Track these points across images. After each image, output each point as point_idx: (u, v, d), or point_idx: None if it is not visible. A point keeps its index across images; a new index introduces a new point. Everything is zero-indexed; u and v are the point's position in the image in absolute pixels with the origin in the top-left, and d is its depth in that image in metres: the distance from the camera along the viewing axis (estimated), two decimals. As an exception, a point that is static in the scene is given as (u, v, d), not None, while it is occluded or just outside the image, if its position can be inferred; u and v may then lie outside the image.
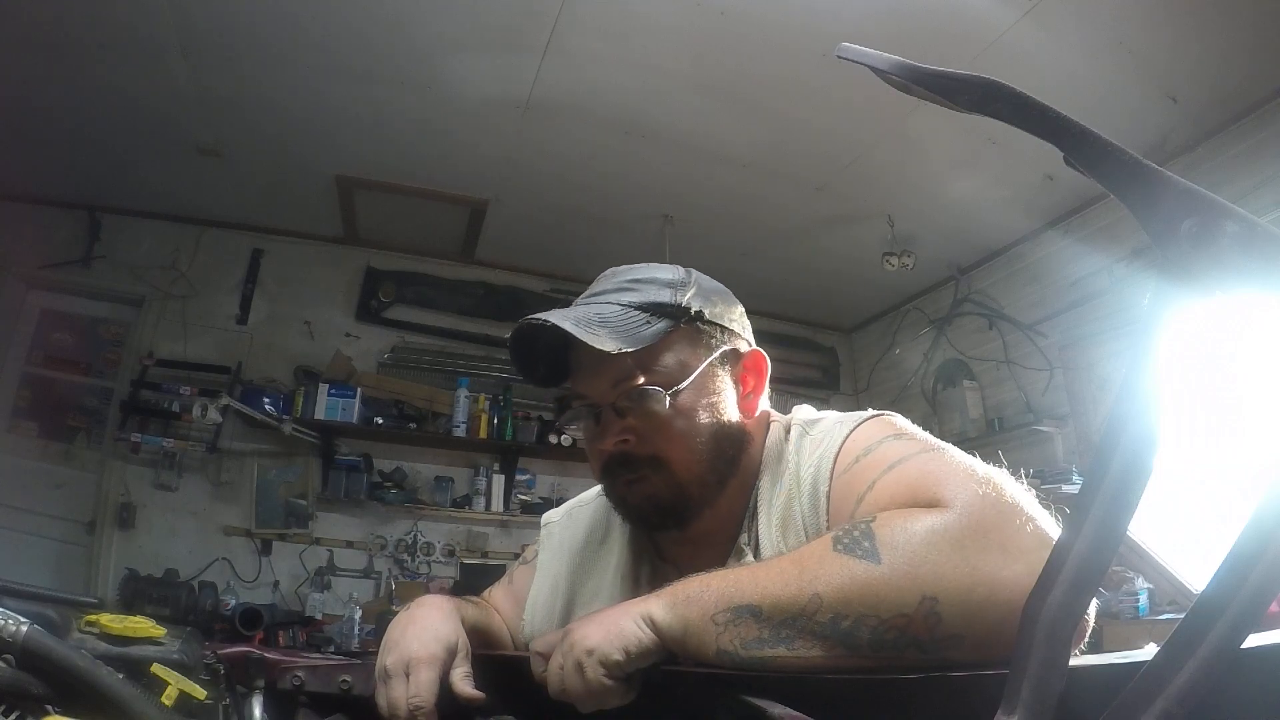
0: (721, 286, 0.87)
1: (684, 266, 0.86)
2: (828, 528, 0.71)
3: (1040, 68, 2.57)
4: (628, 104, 2.96)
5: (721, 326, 0.82)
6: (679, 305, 0.79)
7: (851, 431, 0.76)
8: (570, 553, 0.95)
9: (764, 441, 0.84)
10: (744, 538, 0.80)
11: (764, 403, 0.87)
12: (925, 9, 2.40)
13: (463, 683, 0.71)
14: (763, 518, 0.79)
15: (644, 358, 0.76)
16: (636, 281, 0.81)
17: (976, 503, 0.58)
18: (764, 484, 0.81)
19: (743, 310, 0.88)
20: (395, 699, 0.68)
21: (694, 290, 0.81)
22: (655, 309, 0.78)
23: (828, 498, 0.73)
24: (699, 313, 0.80)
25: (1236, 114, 2.83)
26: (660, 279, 0.82)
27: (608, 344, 0.73)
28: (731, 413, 0.81)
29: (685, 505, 0.78)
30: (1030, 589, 0.41)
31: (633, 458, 0.78)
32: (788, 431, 0.83)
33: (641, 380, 0.76)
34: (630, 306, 0.78)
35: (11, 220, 3.51)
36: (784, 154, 3.24)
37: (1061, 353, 3.57)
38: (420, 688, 0.68)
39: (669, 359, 0.78)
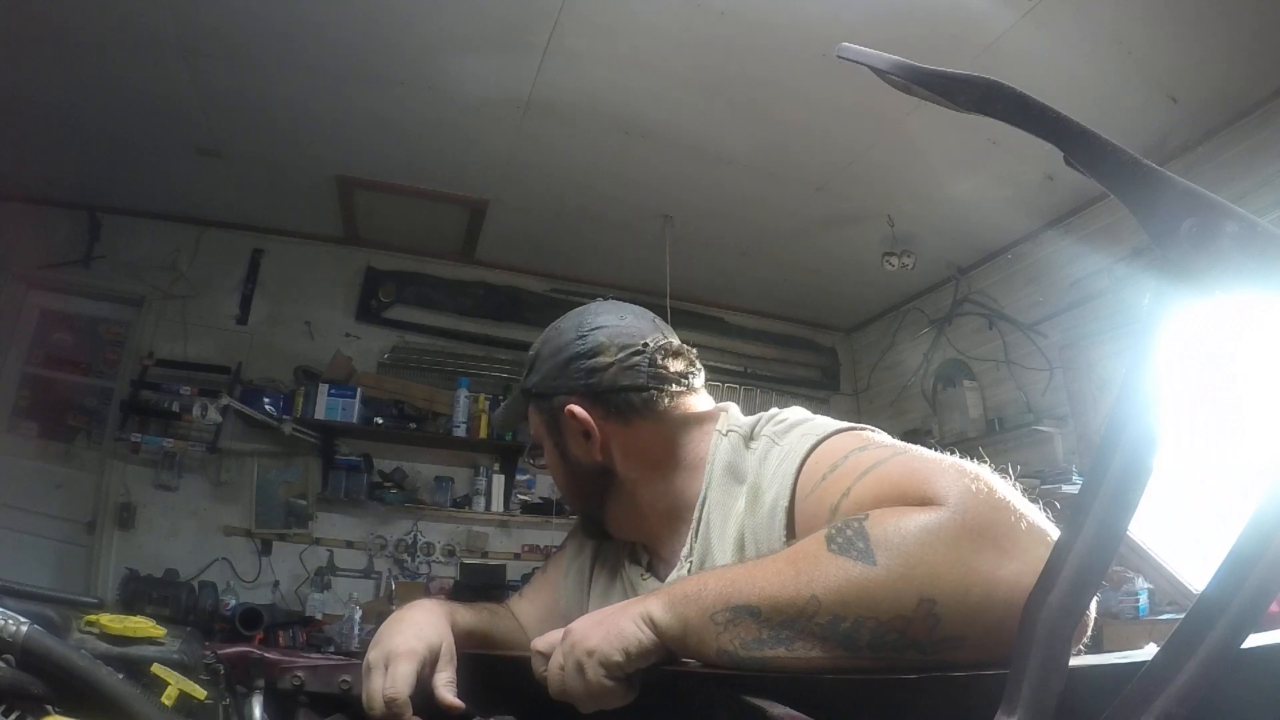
0: (560, 344, 0.92)
1: (557, 324, 0.97)
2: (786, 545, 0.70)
3: (1040, 68, 2.57)
4: (628, 104, 2.96)
5: (549, 396, 0.92)
6: (523, 389, 0.97)
7: (814, 448, 0.75)
8: (596, 535, 1.02)
9: (708, 452, 0.87)
10: (685, 550, 0.84)
11: (700, 403, 0.93)
12: (925, 9, 2.40)
13: (444, 689, 0.73)
14: (715, 532, 0.82)
15: (526, 429, 1.00)
16: (527, 357, 0.99)
17: (970, 499, 0.57)
18: (713, 497, 0.84)
19: (579, 353, 0.90)
20: (373, 691, 0.70)
21: (536, 364, 0.95)
22: (522, 390, 0.98)
23: (788, 513, 0.73)
24: (529, 390, 0.95)
25: (1236, 114, 2.83)
26: (527, 358, 0.98)
27: (499, 430, 1.15)
28: (576, 458, 0.92)
29: (588, 522, 0.99)
30: (1027, 587, 0.41)
31: None
32: (750, 439, 0.84)
33: (528, 444, 1.02)
34: (520, 389, 0.99)
35: (11, 220, 3.51)
36: (784, 154, 3.25)
37: (1061, 353, 3.57)
38: (396, 680, 0.70)
39: (531, 428, 0.98)
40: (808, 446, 0.75)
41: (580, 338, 0.91)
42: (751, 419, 0.87)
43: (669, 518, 0.89)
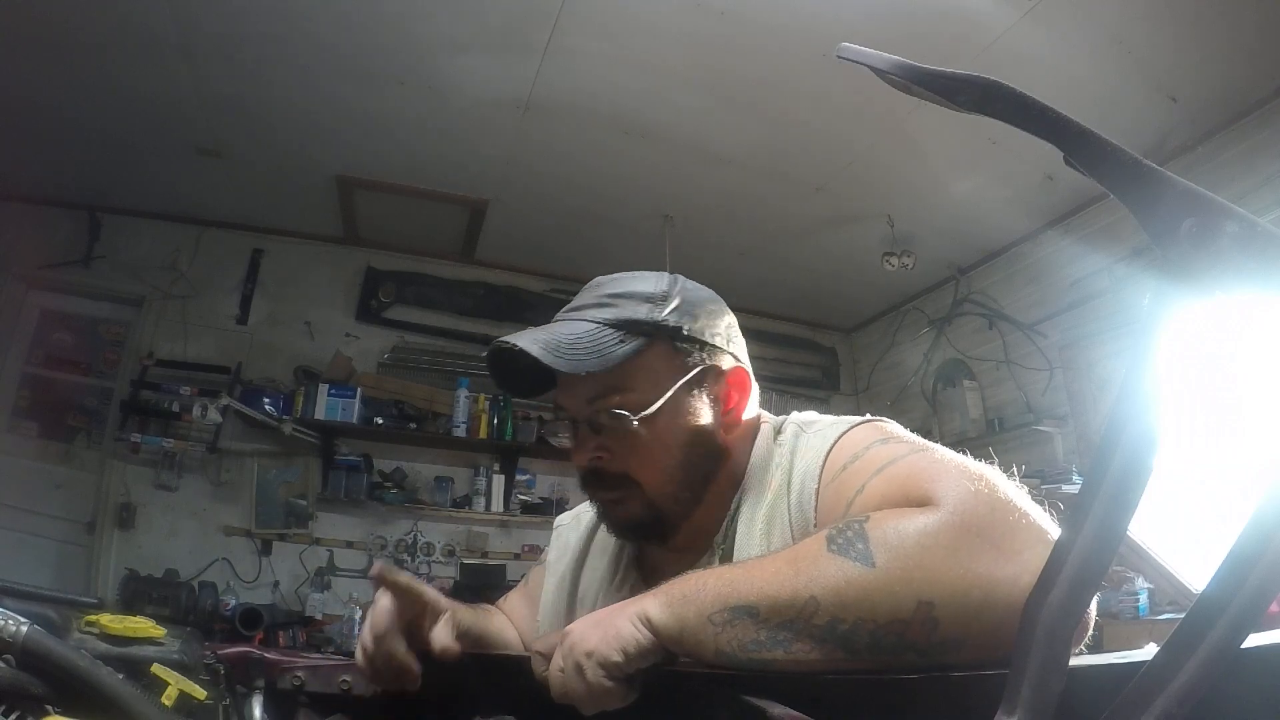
0: (710, 295, 0.86)
1: (672, 274, 0.85)
2: (815, 530, 0.71)
3: (1040, 68, 2.57)
4: (628, 104, 2.96)
5: (701, 342, 0.81)
6: (654, 322, 0.78)
7: (840, 436, 0.76)
8: (574, 554, 0.97)
9: (752, 448, 0.84)
10: (718, 537, 0.82)
11: (752, 408, 0.87)
12: (925, 9, 2.40)
13: (440, 630, 0.72)
14: (743, 521, 0.80)
15: (616, 377, 0.76)
16: (614, 296, 0.80)
17: (969, 500, 0.57)
18: (749, 488, 0.82)
19: (732, 321, 0.86)
20: (362, 633, 0.73)
21: (675, 304, 0.80)
22: (629, 326, 0.78)
23: (816, 495, 0.74)
24: (675, 329, 0.79)
25: (1236, 114, 2.83)
26: (639, 293, 0.80)
27: (573, 366, 0.74)
28: (708, 432, 0.80)
29: (660, 523, 0.80)
30: (1026, 589, 0.41)
31: (606, 474, 0.80)
32: (779, 432, 0.84)
33: (612, 400, 0.77)
34: (604, 324, 0.78)
35: (11, 220, 3.51)
36: (784, 154, 3.25)
37: (1061, 353, 3.57)
38: (377, 610, 0.72)
39: (642, 379, 0.78)
40: (836, 433, 0.76)
41: (715, 300, 0.85)
42: (779, 417, 0.87)
43: (715, 505, 0.82)
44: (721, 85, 2.84)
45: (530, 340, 0.75)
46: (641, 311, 0.79)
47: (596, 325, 0.78)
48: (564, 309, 0.84)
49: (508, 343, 0.76)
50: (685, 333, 0.79)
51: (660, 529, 0.81)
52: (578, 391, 0.79)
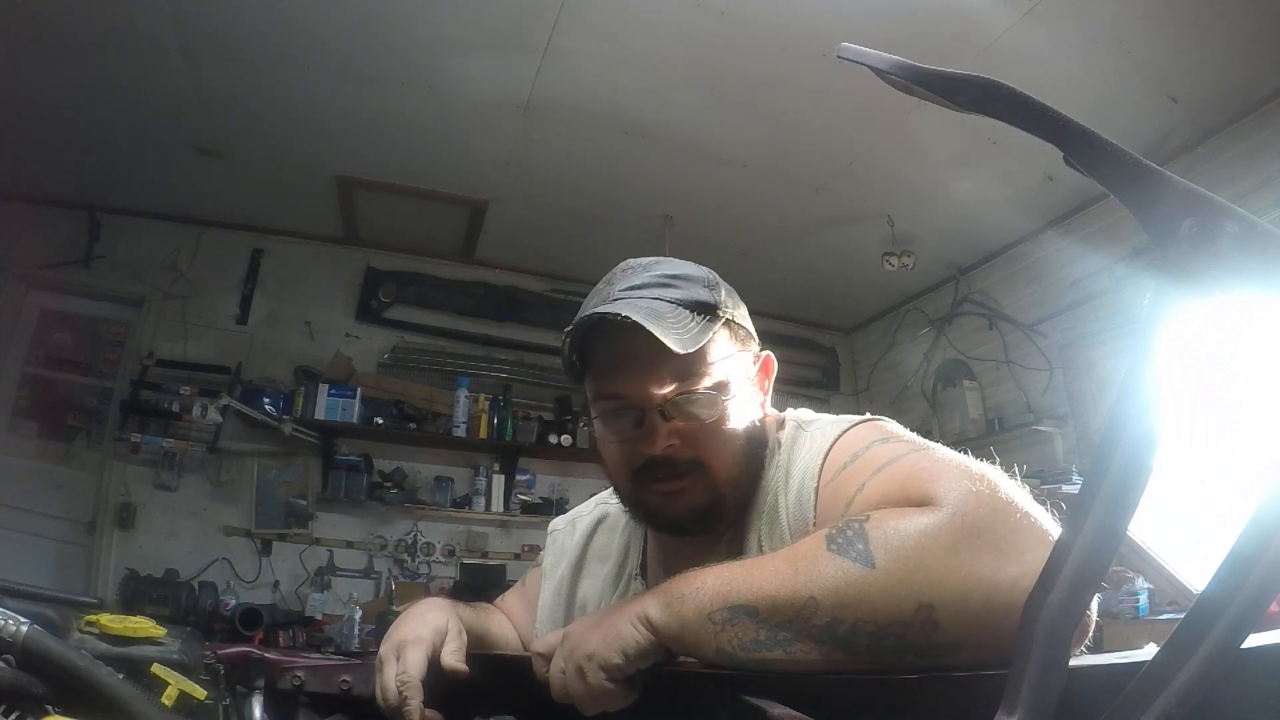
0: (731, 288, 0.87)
1: (704, 266, 0.84)
2: (814, 529, 0.70)
3: (1040, 68, 2.57)
4: (628, 104, 2.96)
5: (745, 329, 0.83)
6: (718, 305, 0.77)
7: (840, 435, 0.75)
8: (571, 560, 0.97)
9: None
10: (730, 532, 0.82)
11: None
12: (925, 9, 2.40)
13: (450, 657, 0.72)
14: (752, 516, 0.80)
15: (699, 360, 0.75)
16: (674, 278, 0.78)
17: (970, 500, 0.56)
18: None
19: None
20: (386, 680, 0.70)
21: (724, 290, 0.80)
22: (701, 308, 0.76)
23: (815, 493, 0.73)
24: (731, 315, 0.79)
25: (1236, 114, 2.83)
26: (694, 276, 0.79)
27: (676, 344, 0.70)
28: (758, 415, 0.83)
29: (721, 509, 0.79)
30: (1027, 590, 0.41)
31: (676, 462, 0.76)
32: (779, 427, 0.84)
33: (697, 383, 0.75)
34: (678, 304, 0.75)
35: (11, 220, 3.51)
36: (784, 154, 3.25)
37: (1061, 353, 3.57)
38: (408, 666, 0.69)
39: (716, 362, 0.76)
40: (836, 432, 0.76)
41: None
42: (778, 413, 0.88)
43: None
44: (721, 85, 2.84)
45: (633, 310, 0.71)
46: (704, 294, 0.77)
47: (672, 305, 0.75)
48: (622, 287, 0.78)
49: (611, 313, 0.71)
50: (735, 319, 0.80)
51: (717, 517, 0.79)
52: (651, 377, 0.74)
